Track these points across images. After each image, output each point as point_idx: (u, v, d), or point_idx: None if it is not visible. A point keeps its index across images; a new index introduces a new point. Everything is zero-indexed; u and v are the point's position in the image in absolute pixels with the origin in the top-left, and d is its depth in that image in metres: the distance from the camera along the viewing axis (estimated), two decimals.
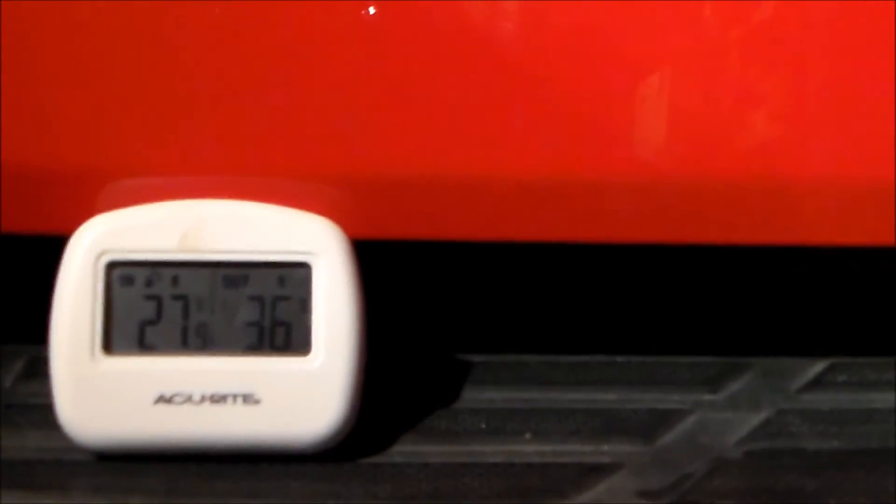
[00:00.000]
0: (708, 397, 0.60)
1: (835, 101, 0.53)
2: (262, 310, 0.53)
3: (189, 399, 0.52)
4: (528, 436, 0.56)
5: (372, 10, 0.51)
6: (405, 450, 0.55)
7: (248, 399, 0.52)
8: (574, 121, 0.53)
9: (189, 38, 0.52)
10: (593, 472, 0.54)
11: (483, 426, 0.57)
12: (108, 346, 0.52)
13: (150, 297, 0.53)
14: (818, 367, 0.63)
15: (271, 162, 0.53)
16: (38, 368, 0.58)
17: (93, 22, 0.51)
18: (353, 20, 0.51)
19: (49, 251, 0.53)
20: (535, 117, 0.53)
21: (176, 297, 0.53)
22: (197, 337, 0.53)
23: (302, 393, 0.53)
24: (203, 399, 0.52)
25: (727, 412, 0.59)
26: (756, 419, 0.59)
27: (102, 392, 0.52)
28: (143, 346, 0.53)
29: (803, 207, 0.56)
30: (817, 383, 0.62)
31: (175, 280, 0.53)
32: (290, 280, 0.53)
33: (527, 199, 0.55)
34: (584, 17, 0.52)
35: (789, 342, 0.64)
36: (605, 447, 0.56)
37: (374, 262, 0.54)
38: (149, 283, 0.53)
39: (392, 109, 0.53)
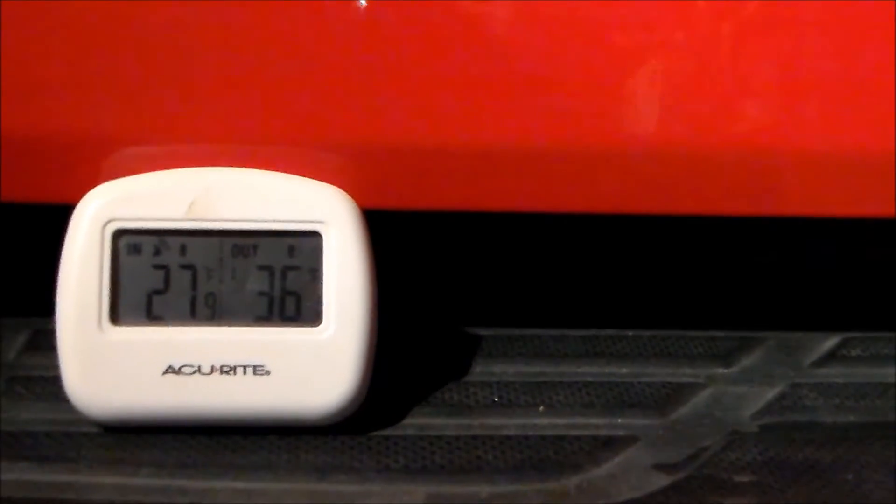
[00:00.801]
0: (721, 371, 0.60)
1: (838, 70, 0.53)
2: (271, 279, 0.52)
3: (198, 370, 0.52)
4: (541, 409, 0.56)
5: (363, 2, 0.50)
6: (417, 422, 0.55)
7: (257, 370, 0.52)
8: (586, 90, 0.52)
9: (198, 2, 0.51)
10: (608, 444, 0.54)
11: (496, 399, 0.57)
12: (116, 316, 0.52)
13: (158, 267, 0.52)
14: (832, 341, 0.63)
15: (281, 130, 0.53)
16: (42, 341, 0.58)
17: None
18: None
19: (54, 220, 0.52)
20: (546, 88, 0.52)
21: (184, 267, 0.52)
22: (206, 307, 0.52)
23: (312, 364, 0.52)
24: (212, 370, 0.52)
25: (741, 386, 0.59)
26: (770, 393, 0.58)
27: (110, 363, 0.51)
28: (151, 316, 0.52)
29: (813, 178, 0.55)
30: (831, 357, 0.62)
31: (183, 249, 0.52)
32: (301, 249, 0.53)
33: (540, 168, 0.54)
34: None
35: (802, 316, 0.64)
36: (620, 420, 0.55)
37: (385, 231, 0.54)
38: (157, 252, 0.52)
39: (404, 78, 0.52)
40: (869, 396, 0.58)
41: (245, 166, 0.53)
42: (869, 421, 0.56)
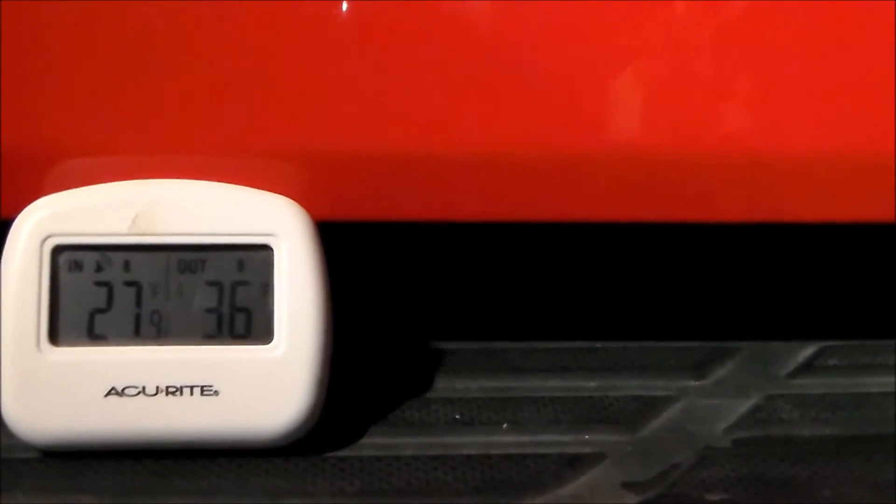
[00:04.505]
0: (693, 384, 0.58)
1: (821, 74, 0.51)
2: (220, 296, 0.51)
3: (143, 392, 0.50)
4: (504, 426, 0.54)
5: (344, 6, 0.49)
6: (374, 442, 0.53)
7: (205, 391, 0.50)
8: (546, 97, 0.51)
9: (141, 8, 0.49)
10: (575, 463, 0.52)
11: (457, 417, 0.55)
12: (56, 336, 0.50)
13: (100, 284, 0.50)
14: (808, 351, 0.62)
15: (229, 139, 0.51)
16: None
17: None
18: None
19: None
20: (504, 94, 0.51)
21: (128, 284, 0.51)
22: (151, 325, 0.51)
23: (263, 383, 0.50)
24: (158, 391, 0.50)
25: (714, 399, 0.57)
26: (744, 406, 0.57)
27: (50, 385, 0.50)
28: (93, 335, 0.50)
29: (788, 183, 0.54)
30: (807, 368, 0.60)
31: (127, 265, 0.51)
32: (250, 264, 0.51)
33: (499, 177, 0.52)
34: None
35: (777, 326, 0.63)
36: (587, 437, 0.54)
37: (339, 244, 0.52)
38: (98, 269, 0.50)
39: (356, 85, 0.50)
40: (847, 408, 0.57)
41: (191, 178, 0.51)
42: (847, 434, 0.55)
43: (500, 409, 0.55)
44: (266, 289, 0.51)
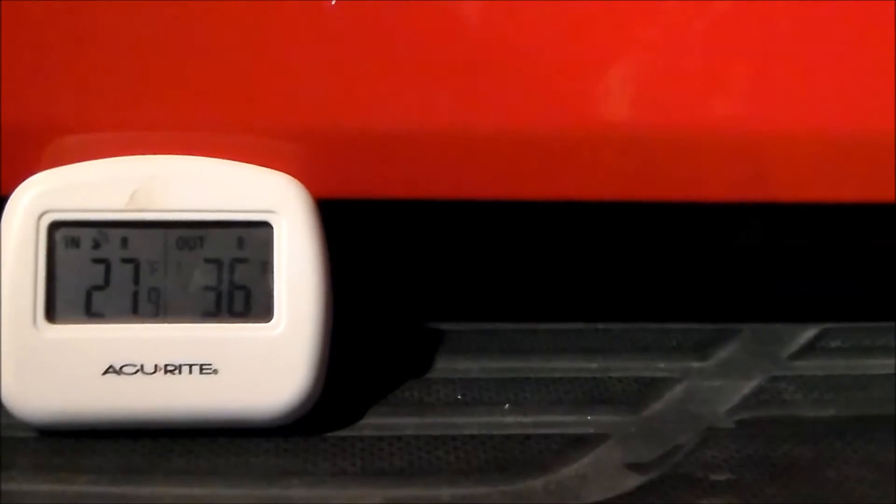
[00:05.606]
0: (696, 365, 0.58)
1: (817, 53, 0.51)
2: (219, 273, 0.50)
3: (141, 370, 0.49)
4: (506, 406, 0.54)
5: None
6: (375, 422, 0.52)
7: (204, 369, 0.50)
8: (546, 74, 0.50)
9: None
10: (578, 443, 0.51)
11: (459, 397, 0.54)
12: (52, 313, 0.49)
13: (97, 261, 0.50)
14: (810, 332, 0.61)
15: (229, 115, 0.50)
16: None
17: None
18: None
19: None
20: (503, 72, 0.50)
21: (126, 261, 0.50)
22: (149, 303, 0.50)
23: (263, 362, 0.50)
24: (156, 370, 0.49)
25: (717, 380, 0.57)
26: (747, 387, 0.56)
27: (46, 363, 0.49)
28: (91, 313, 0.50)
29: (795, 162, 0.53)
30: (810, 349, 0.60)
31: (125, 241, 0.50)
32: (250, 241, 0.50)
33: (500, 155, 0.52)
34: None
35: (779, 307, 0.62)
36: (589, 417, 0.53)
37: (339, 221, 0.52)
38: (96, 245, 0.50)
39: (357, 61, 0.50)
40: (850, 389, 0.56)
41: (191, 154, 0.51)
42: (850, 415, 0.55)
43: (501, 389, 0.55)
44: (266, 266, 0.50)
